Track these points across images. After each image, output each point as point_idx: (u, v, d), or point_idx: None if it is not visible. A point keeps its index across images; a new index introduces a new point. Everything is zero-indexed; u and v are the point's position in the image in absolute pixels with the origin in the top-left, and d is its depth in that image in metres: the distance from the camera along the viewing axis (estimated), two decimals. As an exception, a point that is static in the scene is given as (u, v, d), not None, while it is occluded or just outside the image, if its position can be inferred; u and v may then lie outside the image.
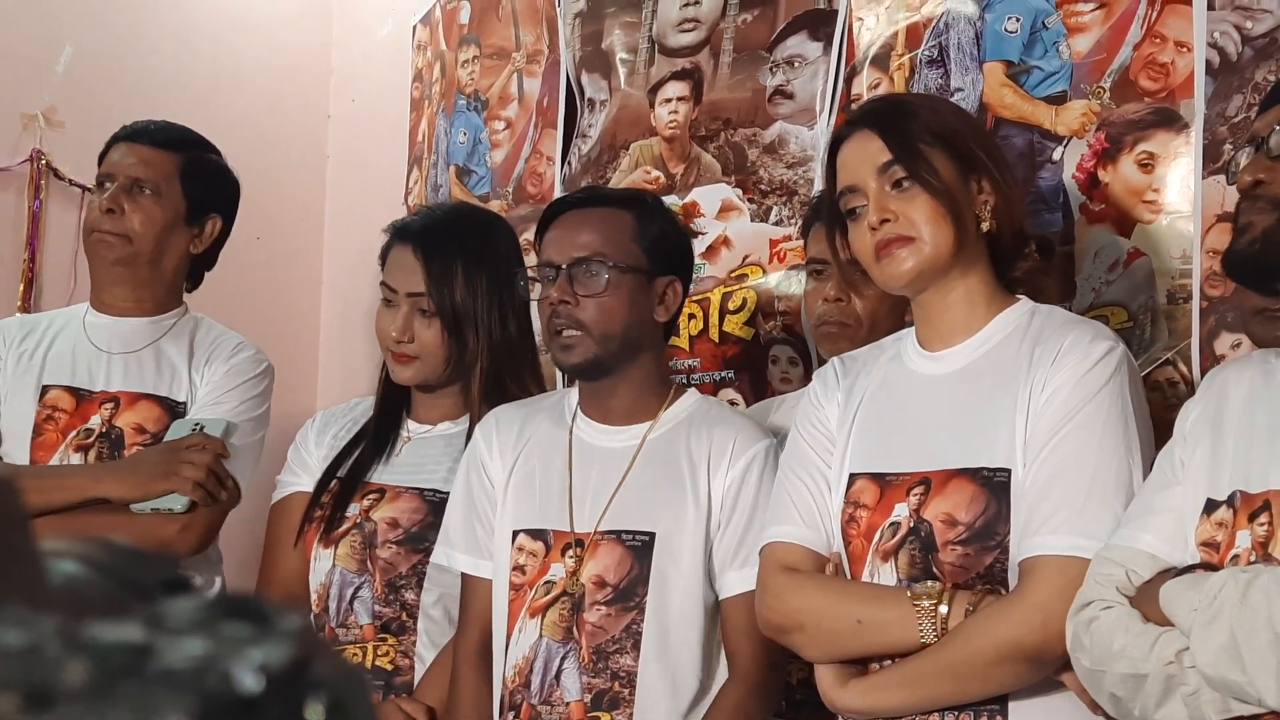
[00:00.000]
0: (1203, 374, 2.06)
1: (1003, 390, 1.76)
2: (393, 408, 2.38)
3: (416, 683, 2.23)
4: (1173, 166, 2.17)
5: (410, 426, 2.36)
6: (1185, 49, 2.16)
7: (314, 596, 2.30)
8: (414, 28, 3.59)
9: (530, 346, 2.37)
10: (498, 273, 2.31)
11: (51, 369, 2.42)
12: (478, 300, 2.28)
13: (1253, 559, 1.48)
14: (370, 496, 2.30)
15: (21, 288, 3.26)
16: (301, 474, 2.38)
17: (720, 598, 2.01)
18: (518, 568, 2.06)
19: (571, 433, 2.12)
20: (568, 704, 1.99)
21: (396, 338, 2.27)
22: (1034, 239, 1.88)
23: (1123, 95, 2.23)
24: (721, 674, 2.01)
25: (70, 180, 3.28)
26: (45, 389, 2.41)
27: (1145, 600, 1.51)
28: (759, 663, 1.96)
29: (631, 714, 1.97)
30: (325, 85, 3.79)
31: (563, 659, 2.00)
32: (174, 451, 2.29)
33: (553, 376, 2.64)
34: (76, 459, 2.37)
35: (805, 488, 1.85)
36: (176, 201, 2.49)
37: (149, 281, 2.50)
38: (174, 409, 2.43)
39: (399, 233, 2.35)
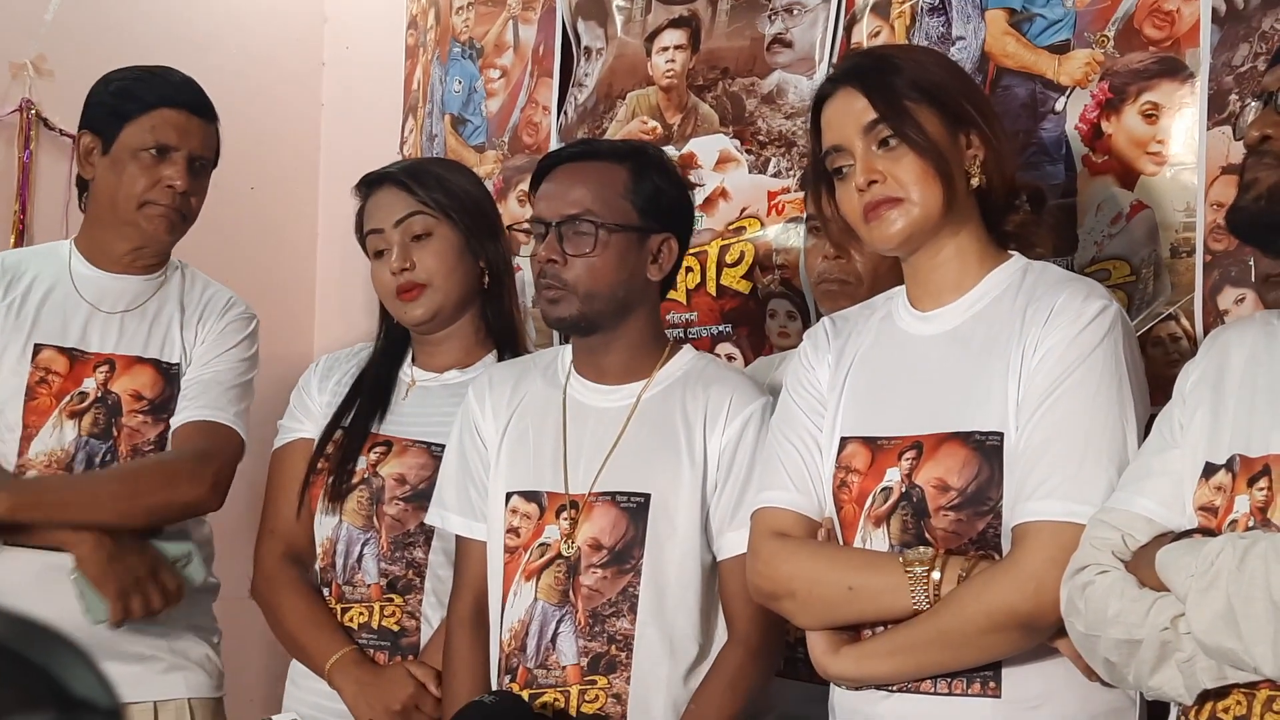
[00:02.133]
0: (1206, 329, 2.03)
1: (995, 352, 1.73)
2: (394, 353, 2.35)
3: (423, 644, 2.21)
4: (1177, 117, 2.13)
5: (416, 373, 2.33)
6: (1191, -4, 2.11)
7: (319, 551, 2.28)
8: (409, -26, 3.54)
9: (513, 277, 2.38)
10: (482, 185, 2.39)
11: (43, 326, 2.35)
12: (476, 192, 2.33)
13: (1251, 524, 1.46)
14: (377, 449, 2.27)
15: (13, 239, 3.23)
16: (305, 420, 2.35)
17: (718, 559, 1.99)
18: (512, 530, 2.04)
19: (565, 392, 2.09)
20: (564, 668, 1.97)
21: (396, 269, 2.25)
22: (1025, 190, 1.84)
23: (1127, 44, 2.19)
24: (720, 635, 1.99)
25: (60, 130, 3.24)
26: (38, 348, 2.34)
27: (1141, 565, 1.48)
28: (759, 624, 1.94)
29: (629, 677, 1.95)
30: (319, 32, 3.74)
31: (559, 622, 1.98)
32: (142, 578, 2.25)
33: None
34: (70, 426, 2.32)
35: (796, 451, 1.82)
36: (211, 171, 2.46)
37: (167, 246, 2.45)
38: (168, 372, 2.39)
39: (371, 181, 2.34)
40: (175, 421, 2.38)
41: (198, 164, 2.39)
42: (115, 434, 2.35)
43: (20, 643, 0.47)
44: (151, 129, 2.35)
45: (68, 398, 2.33)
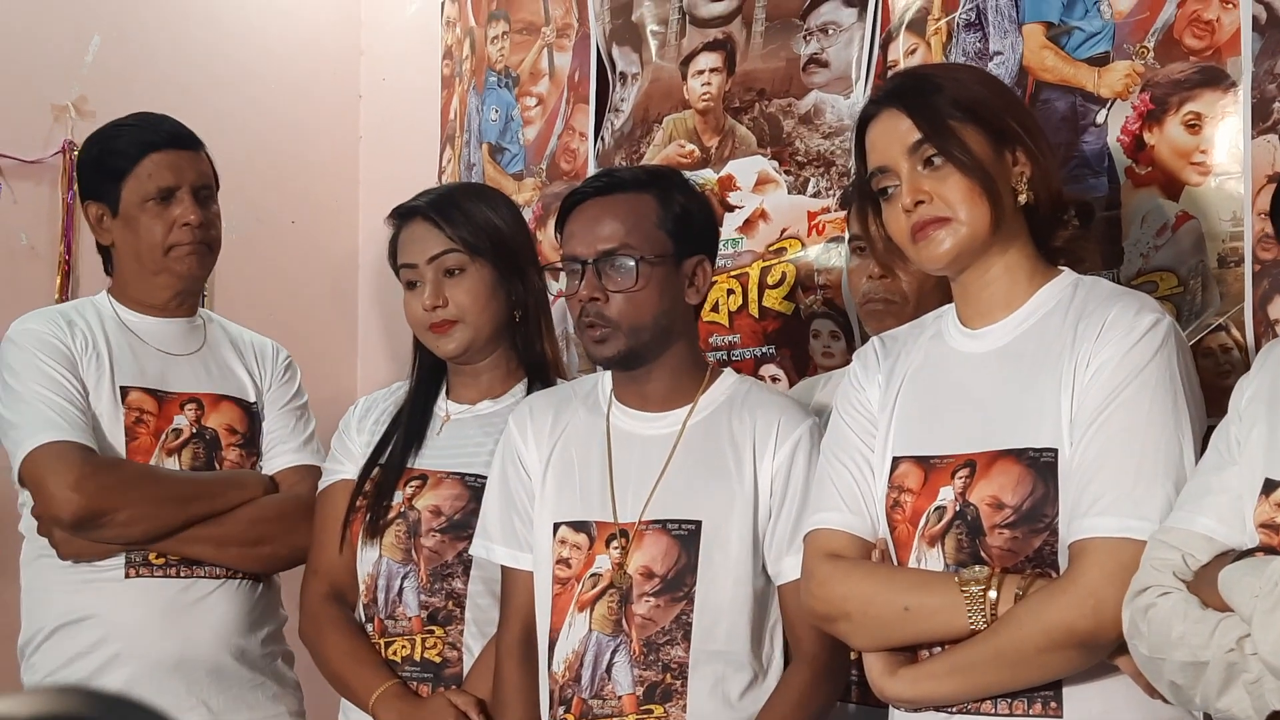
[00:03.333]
0: (1256, 339, 2.01)
1: (1047, 368, 1.71)
2: (428, 389, 2.36)
3: (465, 674, 2.21)
4: (1220, 127, 2.11)
5: (450, 407, 2.33)
6: (1231, 5, 2.10)
7: (362, 588, 2.29)
8: (442, 4, 3.55)
9: (548, 308, 2.38)
10: (515, 212, 2.39)
11: (121, 369, 2.40)
12: (508, 225, 2.32)
13: (1314, 540, 1.44)
14: (413, 483, 2.28)
15: (59, 279, 3.26)
16: (345, 462, 2.36)
17: (779, 584, 1.99)
18: (561, 561, 2.04)
19: (608, 420, 2.09)
20: (620, 698, 1.97)
21: (429, 306, 2.25)
22: (1072, 204, 1.83)
23: (1167, 54, 2.17)
24: (774, 660, 1.99)
25: (103, 170, 3.27)
26: (124, 390, 2.39)
27: (1203, 585, 1.47)
28: (825, 645, 1.93)
29: (685, 705, 1.95)
30: (355, 65, 3.76)
31: (613, 652, 1.98)
32: None
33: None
34: (170, 462, 2.39)
35: (848, 472, 1.82)
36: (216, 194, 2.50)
37: (204, 281, 2.52)
38: (250, 409, 2.48)
39: (404, 214, 2.34)
40: (274, 465, 2.48)
41: (203, 193, 2.43)
42: (218, 467, 2.43)
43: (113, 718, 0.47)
44: (148, 177, 2.40)
45: (164, 435, 2.40)
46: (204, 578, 2.37)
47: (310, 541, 2.37)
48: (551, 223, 3.12)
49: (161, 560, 2.35)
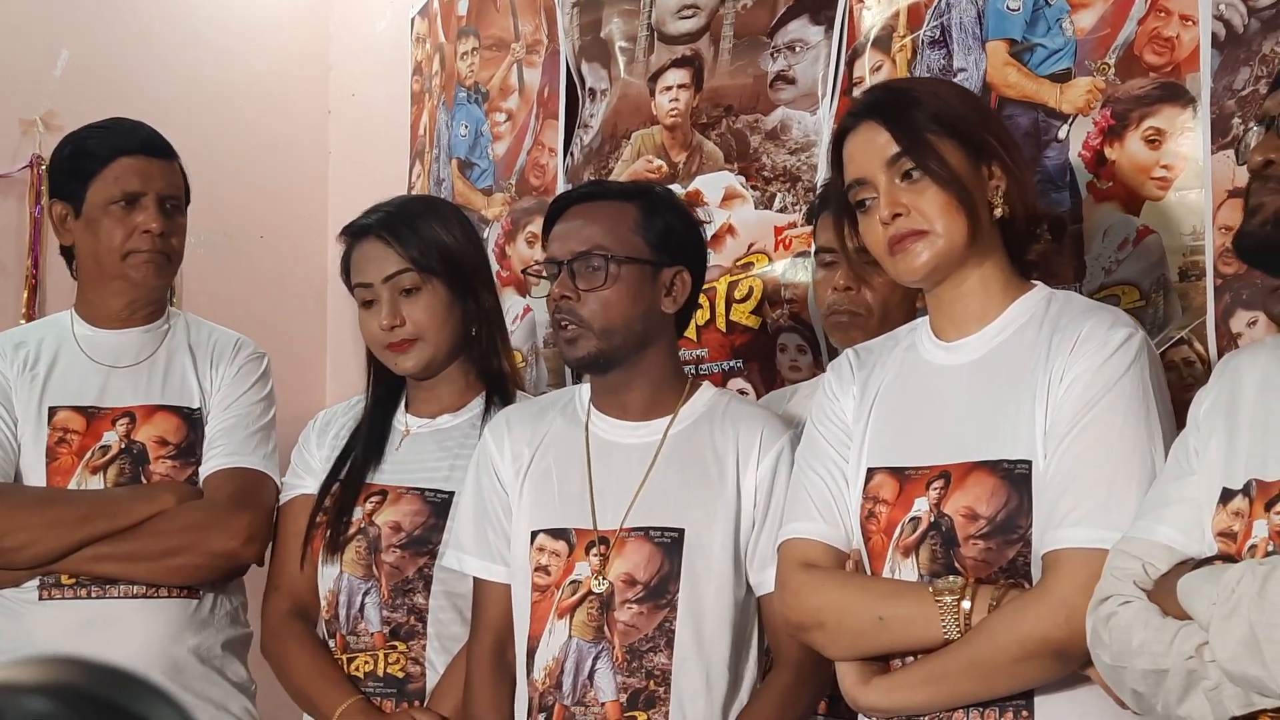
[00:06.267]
0: (1219, 352, 2.04)
1: (1021, 380, 1.74)
2: (387, 404, 2.36)
3: (429, 689, 2.21)
4: (1180, 142, 2.15)
5: (409, 421, 2.34)
6: (1190, 22, 2.13)
7: (324, 604, 2.29)
8: (412, 20, 3.57)
9: (503, 323, 2.38)
10: (466, 226, 2.37)
11: (55, 389, 2.38)
12: (460, 242, 2.31)
13: (1270, 549, 1.45)
14: (373, 499, 2.28)
15: (26, 294, 3.26)
16: (305, 476, 2.36)
17: (760, 594, 2.01)
18: (540, 568, 2.05)
19: (588, 429, 2.10)
20: (603, 704, 1.98)
21: (386, 326, 2.26)
22: (1045, 219, 1.85)
23: (1128, 71, 2.21)
24: (750, 668, 2.01)
25: (71, 185, 3.26)
26: (53, 410, 2.36)
27: (1163, 594, 1.49)
28: (807, 651, 1.93)
29: (668, 712, 1.96)
30: (325, 81, 3.77)
31: (595, 659, 1.99)
32: None
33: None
34: (94, 480, 2.34)
35: (823, 483, 1.83)
36: (185, 208, 2.47)
37: (161, 291, 2.48)
38: (190, 417, 2.41)
39: (355, 232, 2.33)
40: (204, 470, 2.40)
41: (168, 204, 2.40)
42: (144, 481, 2.36)
43: (116, 693, 0.49)
44: (115, 180, 2.37)
45: (89, 453, 2.35)
46: (120, 597, 2.31)
47: (232, 546, 2.32)
48: (521, 237, 3.15)
49: (72, 581, 2.31)
